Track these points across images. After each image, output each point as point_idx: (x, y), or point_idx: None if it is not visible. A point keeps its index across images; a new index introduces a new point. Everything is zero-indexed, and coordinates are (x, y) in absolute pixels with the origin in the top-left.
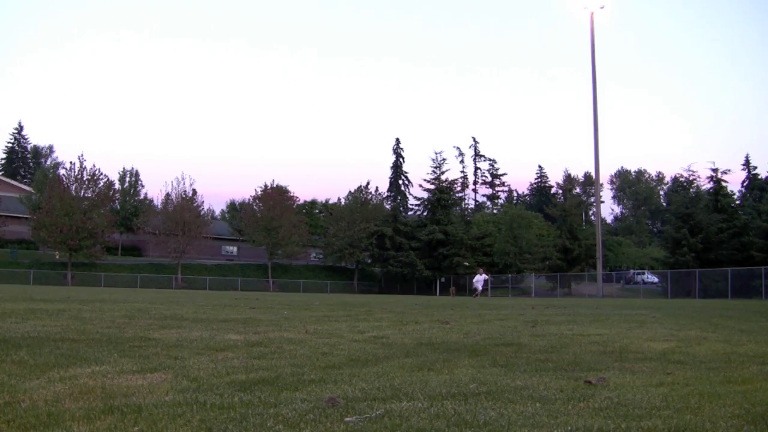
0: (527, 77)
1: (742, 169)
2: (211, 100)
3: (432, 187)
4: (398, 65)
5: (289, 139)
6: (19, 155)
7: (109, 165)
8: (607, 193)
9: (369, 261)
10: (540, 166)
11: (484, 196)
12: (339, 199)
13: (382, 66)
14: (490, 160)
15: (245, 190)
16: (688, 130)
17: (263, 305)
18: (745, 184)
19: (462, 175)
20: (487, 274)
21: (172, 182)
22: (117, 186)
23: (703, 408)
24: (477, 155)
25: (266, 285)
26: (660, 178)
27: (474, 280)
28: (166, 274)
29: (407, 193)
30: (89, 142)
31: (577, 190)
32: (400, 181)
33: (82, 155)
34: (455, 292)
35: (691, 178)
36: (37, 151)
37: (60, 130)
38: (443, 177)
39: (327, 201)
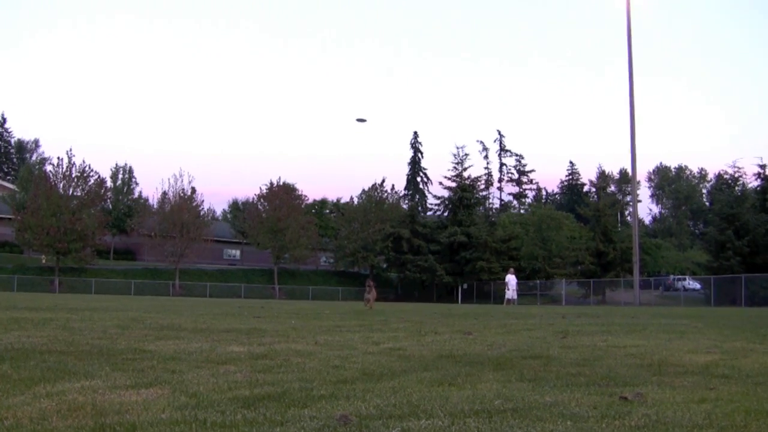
0: (557, 65)
1: None
2: (211, 91)
3: (453, 184)
4: (415, 52)
5: (297, 133)
6: (2, 150)
7: (101, 161)
8: (644, 192)
9: (384, 266)
10: (571, 162)
11: (509, 194)
12: (351, 198)
13: (397, 53)
14: (516, 155)
15: (249, 188)
16: (733, 123)
17: (269, 314)
18: None
19: (486, 171)
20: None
21: (169, 180)
22: (109, 184)
23: (750, 426)
24: (502, 150)
25: (272, 292)
26: (702, 175)
27: (508, 282)
28: (163, 280)
29: (426, 192)
30: (78, 135)
31: (612, 188)
32: (419, 179)
33: (70, 150)
34: (372, 300)
35: (736, 175)
36: (21, 145)
37: (46, 123)
38: (465, 174)
39: (338, 200)
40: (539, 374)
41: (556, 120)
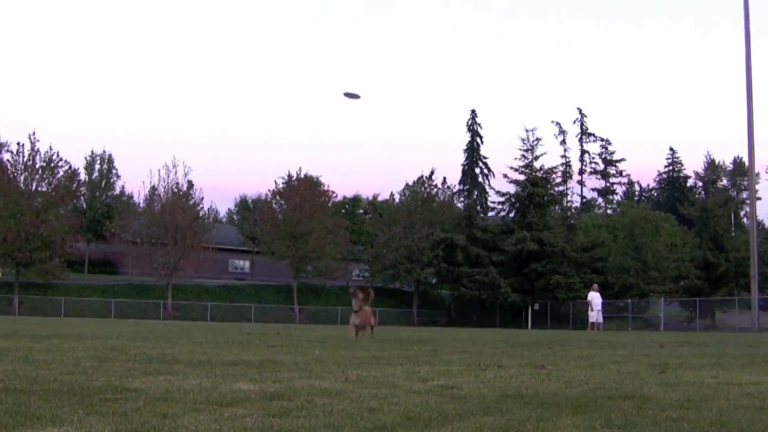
0: (652, 29)
1: None
2: (213, 58)
3: (521, 177)
4: (468, 8)
5: (322, 113)
6: None
7: (72, 147)
8: (765, 186)
9: (434, 281)
10: (672, 149)
11: (593, 190)
12: (392, 194)
13: (445, 8)
14: (602, 140)
15: (261, 182)
16: None
17: (286, 342)
18: None
19: (563, 161)
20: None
21: (159, 171)
22: (83, 176)
23: None
24: (584, 134)
25: (290, 314)
26: None
27: (591, 301)
28: (151, 299)
29: (487, 186)
30: (43, 115)
31: (724, 182)
32: (477, 170)
33: (33, 134)
34: (364, 322)
35: None
36: None
37: (2, 101)
38: (537, 164)
39: (375, 197)
40: (631, 419)
41: (652, 96)
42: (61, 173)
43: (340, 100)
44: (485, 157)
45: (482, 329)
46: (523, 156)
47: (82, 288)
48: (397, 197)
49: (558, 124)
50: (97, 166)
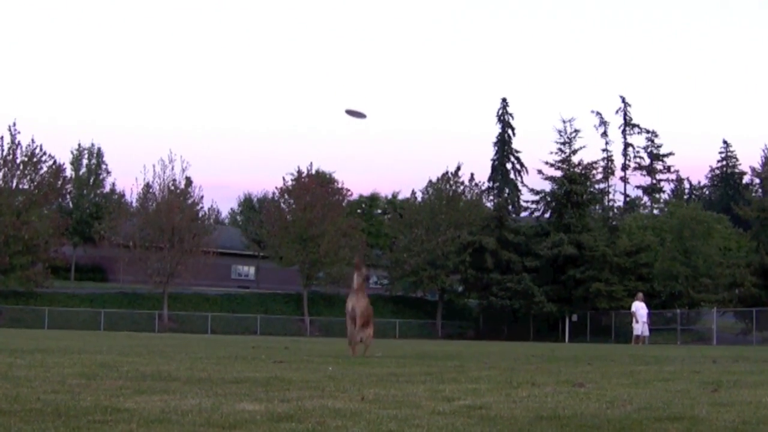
0: (703, 7)
1: None
2: (214, 43)
3: (558, 173)
4: None
5: (336, 102)
6: None
7: (57, 140)
8: None
9: (460, 289)
10: (725, 143)
11: (638, 187)
12: (413, 192)
13: None
14: (648, 132)
15: (268, 179)
16: None
17: (295, 357)
18: None
19: (605, 155)
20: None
21: (154, 167)
22: (69, 172)
23: None
24: (628, 125)
25: (300, 326)
26: None
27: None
28: (145, 310)
29: (519, 184)
30: (25, 105)
31: None
32: (509, 165)
33: (13, 126)
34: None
35: None
36: None
37: None
38: (575, 158)
39: (394, 196)
40: None
41: (704, 83)
42: (45, 169)
43: (346, 117)
44: (517, 151)
45: (514, 343)
46: (560, 150)
47: (68, 297)
48: (419, 196)
49: (599, 114)
50: (85, 161)
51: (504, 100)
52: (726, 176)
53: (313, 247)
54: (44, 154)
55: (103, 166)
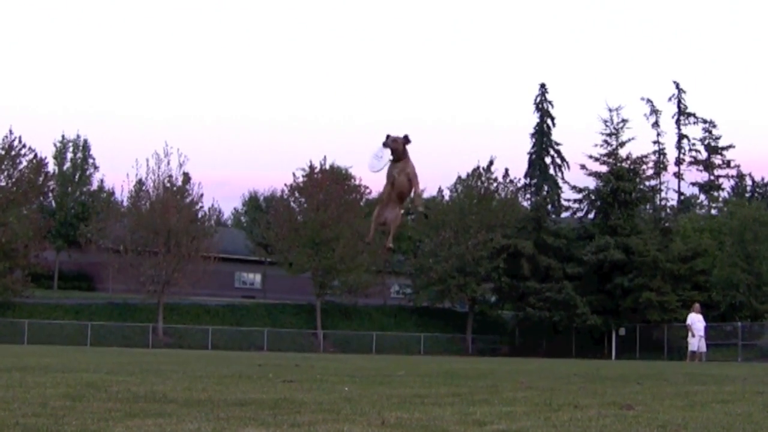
0: None
1: None
2: (215, 25)
3: (603, 168)
4: None
5: (351, 90)
6: None
7: (38, 131)
8: None
9: (493, 299)
10: None
11: (694, 184)
12: (440, 190)
13: None
14: (705, 122)
15: (276, 175)
16: None
17: (307, 376)
18: None
19: (656, 148)
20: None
21: (147, 161)
22: (52, 168)
23: None
24: (682, 114)
25: (313, 341)
26: None
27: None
28: (138, 322)
29: (559, 180)
30: (2, 91)
31: None
32: (548, 159)
33: None
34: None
35: None
36: None
37: None
38: (623, 152)
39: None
40: None
41: (765, 68)
42: (24, 164)
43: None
44: (558, 144)
45: (554, 360)
46: (606, 142)
47: (51, 308)
48: (446, 194)
49: (650, 102)
50: (70, 155)
51: (543, 86)
52: None
53: (327, 251)
54: (23, 146)
55: (90, 161)
